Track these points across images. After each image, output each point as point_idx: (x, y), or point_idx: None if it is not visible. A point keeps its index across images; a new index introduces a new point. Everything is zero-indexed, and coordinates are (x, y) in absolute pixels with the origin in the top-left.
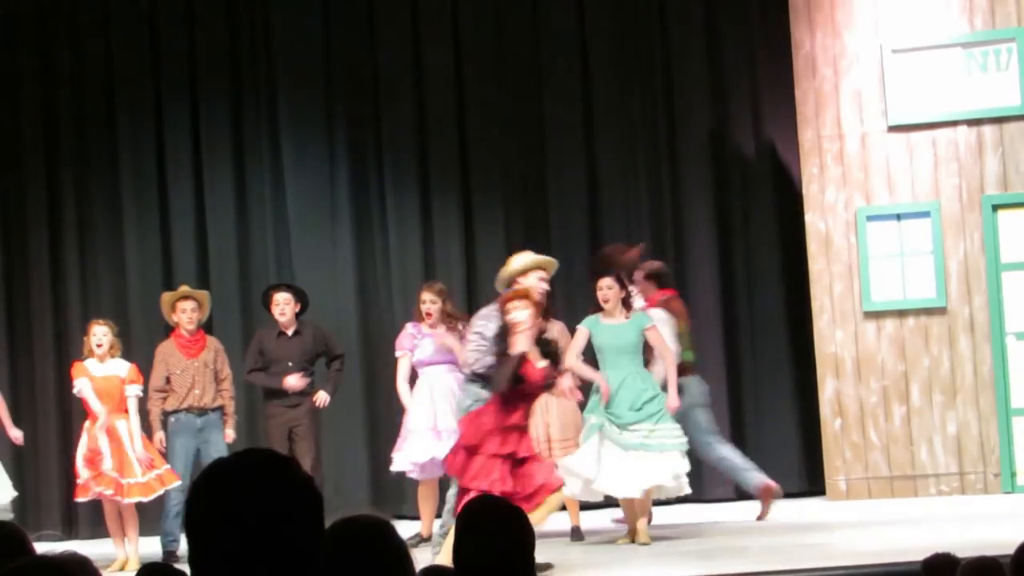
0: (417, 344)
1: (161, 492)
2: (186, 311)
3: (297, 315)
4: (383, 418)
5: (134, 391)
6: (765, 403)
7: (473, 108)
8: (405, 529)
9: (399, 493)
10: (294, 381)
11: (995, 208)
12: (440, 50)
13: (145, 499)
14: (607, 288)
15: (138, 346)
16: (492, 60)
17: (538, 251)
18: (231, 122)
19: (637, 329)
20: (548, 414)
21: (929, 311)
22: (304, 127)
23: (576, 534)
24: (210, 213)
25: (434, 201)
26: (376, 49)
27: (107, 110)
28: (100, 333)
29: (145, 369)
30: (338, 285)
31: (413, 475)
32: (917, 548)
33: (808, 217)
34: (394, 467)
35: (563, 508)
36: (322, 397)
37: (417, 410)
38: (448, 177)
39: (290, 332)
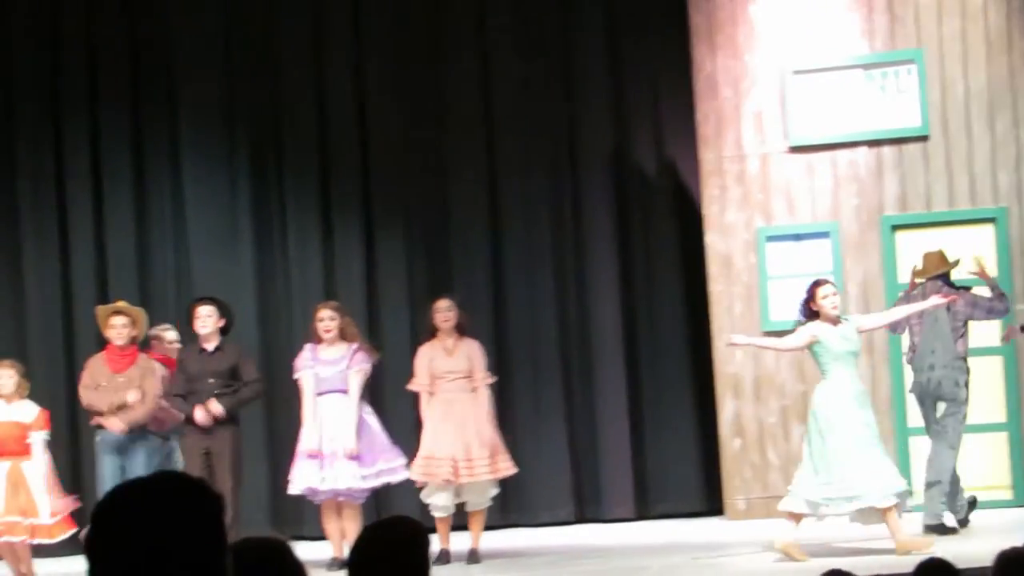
0: (314, 367)
1: (69, 535)
2: (115, 327)
3: (223, 332)
4: (283, 439)
5: (39, 437)
6: (665, 423)
7: (375, 129)
8: (306, 550)
9: (298, 514)
10: (201, 416)
11: (894, 228)
12: (342, 70)
13: (51, 541)
14: (833, 295)
15: (37, 367)
16: (394, 81)
17: (439, 275)
18: (131, 140)
19: (856, 331)
20: (467, 431)
21: None
22: (205, 145)
23: (473, 556)
24: (110, 232)
25: (335, 221)
26: (278, 68)
27: (5, 131)
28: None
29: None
30: (239, 304)
31: (310, 496)
32: (815, 568)
33: (708, 238)
34: (290, 490)
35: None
36: (214, 406)
37: (306, 434)
38: (349, 197)
39: (211, 347)
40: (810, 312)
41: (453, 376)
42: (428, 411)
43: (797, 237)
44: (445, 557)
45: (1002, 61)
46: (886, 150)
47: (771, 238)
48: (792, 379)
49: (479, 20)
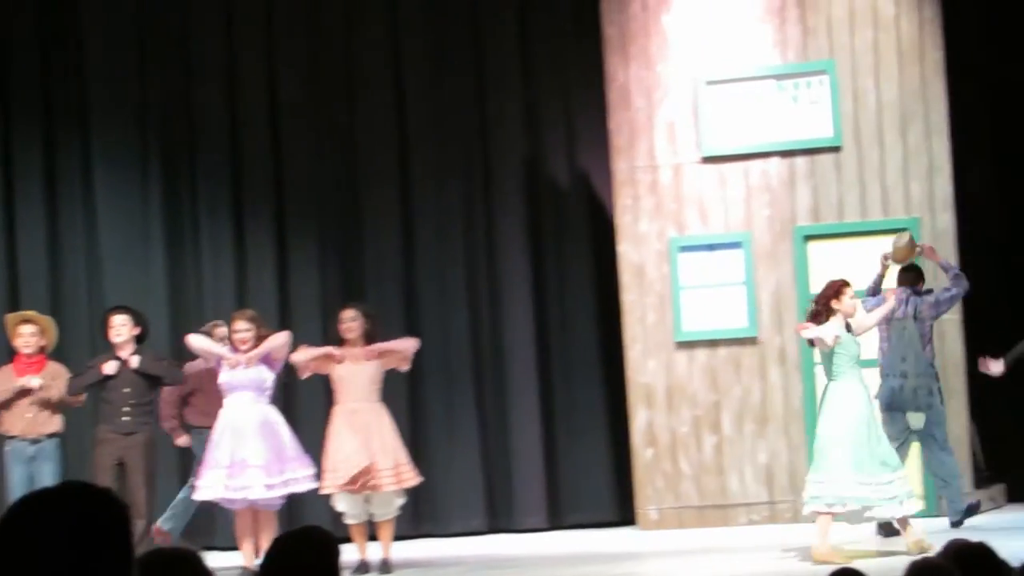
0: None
1: None
2: (23, 335)
3: (138, 341)
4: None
5: None
6: (577, 432)
7: (287, 136)
8: (217, 561)
9: (209, 524)
10: (111, 367)
11: (806, 239)
12: (255, 76)
13: None
14: (854, 297)
15: None
16: (306, 87)
17: (352, 283)
18: (41, 147)
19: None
20: (370, 441)
21: (740, 341)
22: (116, 152)
23: (384, 566)
24: (21, 239)
25: (247, 229)
26: (191, 76)
27: None
28: None
29: None
30: (151, 312)
31: (226, 504)
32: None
33: (621, 248)
34: (196, 496)
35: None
36: (135, 358)
37: (216, 442)
38: (262, 205)
39: (125, 356)
40: (828, 310)
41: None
42: (332, 421)
43: (710, 247)
44: (364, 568)
45: (914, 72)
46: (798, 160)
47: (684, 248)
48: (704, 389)
49: (391, 28)
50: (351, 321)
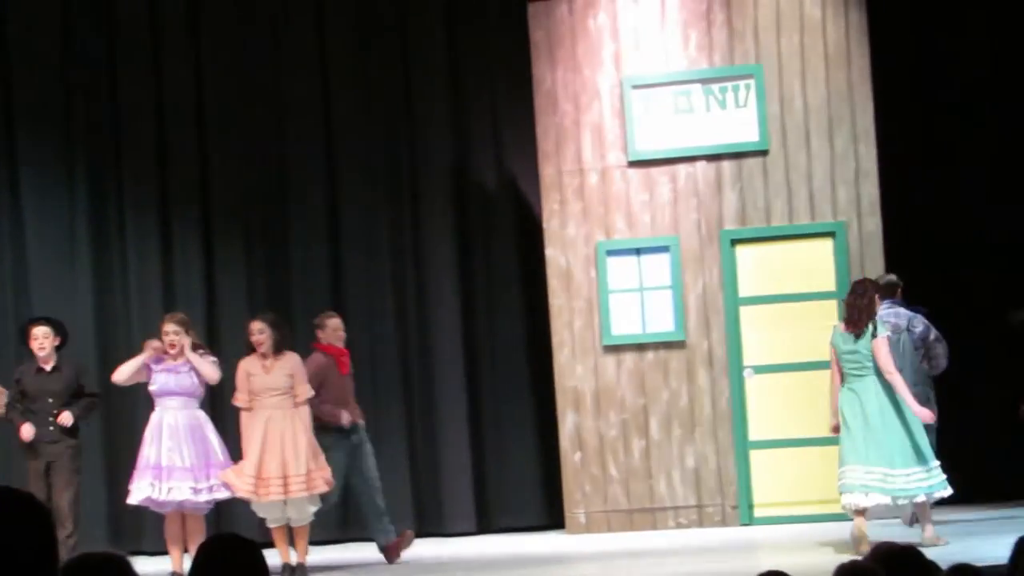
0: (155, 372)
1: None
2: None
3: (58, 349)
4: (122, 453)
5: None
6: (506, 436)
7: (214, 140)
8: (145, 566)
9: (137, 528)
10: (28, 432)
11: (733, 243)
12: (181, 81)
13: None
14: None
15: None
16: (234, 92)
17: (279, 289)
18: None
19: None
20: (284, 449)
21: (668, 345)
22: (43, 158)
23: (300, 570)
24: None
25: (175, 234)
26: (116, 82)
27: None
28: None
29: None
30: (78, 319)
31: (155, 507)
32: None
33: (549, 252)
34: (129, 500)
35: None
36: (65, 415)
37: (146, 446)
38: (188, 210)
39: (49, 367)
40: (871, 309)
41: (271, 393)
42: (247, 427)
43: (637, 251)
44: (289, 571)
45: (841, 76)
46: (725, 164)
47: (611, 252)
48: (632, 393)
49: (319, 33)
50: (260, 333)
